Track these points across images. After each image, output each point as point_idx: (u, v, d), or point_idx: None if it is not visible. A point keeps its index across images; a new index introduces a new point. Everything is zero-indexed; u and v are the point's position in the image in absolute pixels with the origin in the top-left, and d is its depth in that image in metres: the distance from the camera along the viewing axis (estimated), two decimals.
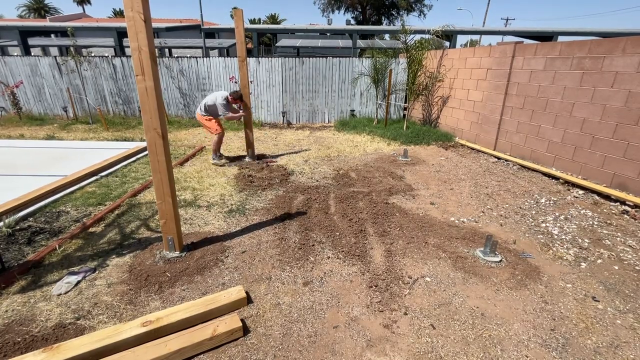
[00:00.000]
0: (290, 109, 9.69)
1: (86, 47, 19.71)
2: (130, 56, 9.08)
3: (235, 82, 9.34)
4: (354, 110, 9.73)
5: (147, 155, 5.95)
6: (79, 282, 2.58)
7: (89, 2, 48.16)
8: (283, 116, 9.67)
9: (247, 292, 2.42)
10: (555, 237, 3.37)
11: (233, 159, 5.97)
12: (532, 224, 3.65)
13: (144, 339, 1.96)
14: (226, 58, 9.32)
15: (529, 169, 5.42)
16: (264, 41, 36.65)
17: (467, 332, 2.16)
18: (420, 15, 30.60)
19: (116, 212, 3.79)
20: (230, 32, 20.63)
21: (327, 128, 9.10)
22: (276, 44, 22.62)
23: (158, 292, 2.49)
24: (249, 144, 5.80)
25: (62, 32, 18.95)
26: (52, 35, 20.82)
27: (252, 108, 9.39)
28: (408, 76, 8.34)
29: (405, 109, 9.02)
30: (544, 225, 3.61)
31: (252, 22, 49.80)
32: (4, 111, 9.70)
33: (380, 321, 2.25)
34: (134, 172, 5.13)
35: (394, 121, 9.05)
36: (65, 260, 2.86)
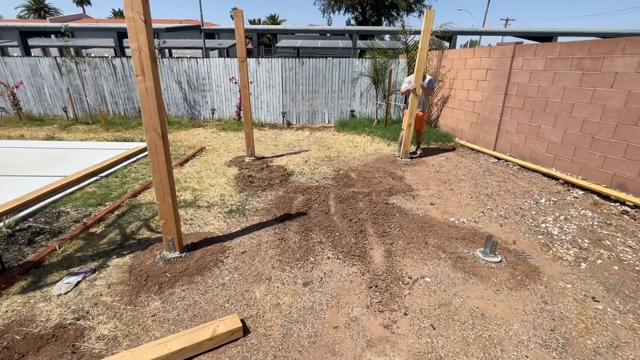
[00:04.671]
0: (290, 109, 9.69)
1: (86, 47, 19.72)
2: (130, 57, 9.09)
3: (235, 83, 9.35)
4: (354, 111, 9.74)
5: (147, 155, 5.95)
6: (79, 282, 2.58)
7: (89, 3, 48.19)
8: (283, 117, 9.67)
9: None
10: (555, 237, 3.37)
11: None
12: (532, 224, 3.65)
13: None
14: (226, 58, 9.33)
15: (528, 169, 5.42)
16: (264, 42, 36.65)
17: (467, 333, 2.16)
18: (420, 15, 30.62)
19: (116, 212, 3.79)
20: (230, 32, 20.64)
21: (327, 128, 9.10)
22: (276, 45, 22.63)
23: (158, 293, 2.49)
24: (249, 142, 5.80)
25: (62, 33, 18.94)
26: (52, 36, 20.82)
27: (252, 108, 9.40)
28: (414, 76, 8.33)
29: (405, 109, 9.01)
30: (543, 225, 3.61)
31: (252, 22, 49.83)
32: (4, 112, 9.70)
33: (380, 321, 2.25)
34: (133, 173, 5.13)
35: (394, 121, 9.05)
36: (65, 261, 2.86)
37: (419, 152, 6.45)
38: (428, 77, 5.84)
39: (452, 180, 5.02)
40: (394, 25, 29.18)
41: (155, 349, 1.89)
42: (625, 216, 3.81)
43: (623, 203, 4.05)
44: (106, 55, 9.53)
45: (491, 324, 2.24)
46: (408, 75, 6.15)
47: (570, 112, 4.91)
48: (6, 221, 3.27)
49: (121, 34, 16.72)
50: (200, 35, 18.64)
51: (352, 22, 31.34)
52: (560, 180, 4.84)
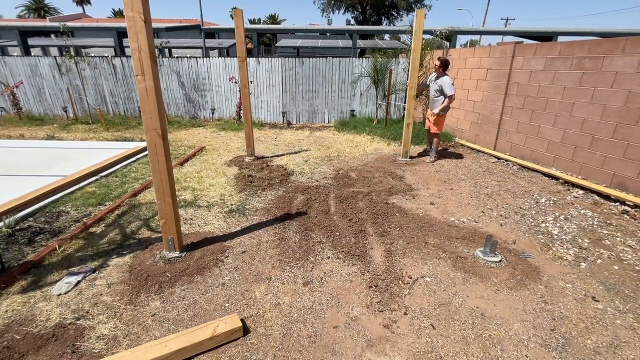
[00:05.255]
0: (290, 109, 9.69)
1: (86, 47, 19.70)
2: (130, 56, 9.08)
3: (235, 82, 9.35)
4: (354, 111, 9.73)
5: (147, 155, 5.95)
6: (79, 282, 2.58)
7: (89, 2, 48.17)
8: (283, 116, 9.67)
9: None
10: (555, 237, 3.37)
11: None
12: (532, 224, 3.65)
13: None
14: (226, 58, 9.33)
15: (528, 169, 5.42)
16: (264, 41, 36.65)
17: (467, 332, 2.16)
18: None
19: (116, 212, 3.79)
20: (230, 32, 20.62)
21: (327, 128, 9.10)
22: (276, 44, 22.63)
23: (158, 292, 2.49)
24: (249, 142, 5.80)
25: (62, 32, 18.94)
26: (52, 36, 20.81)
27: (252, 108, 9.40)
28: (408, 76, 8.34)
29: (405, 109, 9.01)
30: (543, 225, 3.61)
31: (252, 22, 49.81)
32: (4, 111, 9.70)
33: (380, 321, 2.25)
34: (133, 172, 5.13)
35: (394, 121, 9.05)
36: (65, 261, 2.86)
37: (433, 158, 5.90)
38: (441, 81, 5.41)
39: (452, 179, 5.02)
40: (394, 25, 29.16)
41: (155, 348, 1.89)
42: (625, 216, 3.81)
43: (623, 203, 4.05)
44: (106, 55, 9.53)
45: (491, 323, 2.24)
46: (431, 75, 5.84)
47: (570, 112, 4.90)
48: (6, 221, 3.27)
49: (121, 34, 16.72)
50: (200, 34, 18.63)
51: (352, 21, 31.32)
52: (561, 180, 4.83)
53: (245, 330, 2.14)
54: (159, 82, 2.47)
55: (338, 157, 6.16)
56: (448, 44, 15.85)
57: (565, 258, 3.01)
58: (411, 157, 6.14)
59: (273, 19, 52.81)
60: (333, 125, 9.30)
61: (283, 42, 21.39)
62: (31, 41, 17.84)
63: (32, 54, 13.12)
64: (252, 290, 2.54)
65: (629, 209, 3.92)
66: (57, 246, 3.00)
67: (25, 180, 4.48)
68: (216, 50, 21.87)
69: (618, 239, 3.33)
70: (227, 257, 2.97)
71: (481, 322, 2.25)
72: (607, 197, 4.22)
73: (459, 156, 6.30)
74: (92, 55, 9.52)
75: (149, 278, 2.63)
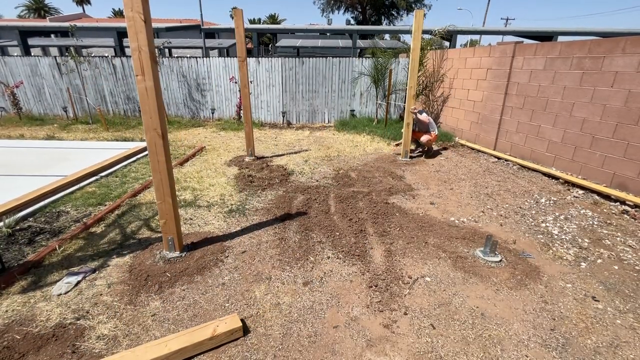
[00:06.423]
0: (290, 109, 9.69)
1: (86, 47, 19.71)
2: (130, 56, 9.08)
3: (235, 82, 9.35)
4: (354, 110, 9.73)
5: (147, 155, 5.95)
6: (79, 282, 2.58)
7: (89, 2, 48.17)
8: (283, 116, 9.67)
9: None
10: (555, 237, 3.37)
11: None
12: (532, 223, 3.65)
13: None
14: (226, 58, 9.33)
15: (529, 168, 5.41)
16: (264, 41, 36.65)
17: (467, 332, 2.16)
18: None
19: (116, 212, 3.79)
20: (230, 32, 20.63)
21: (327, 128, 9.10)
22: (276, 44, 22.63)
23: (158, 292, 2.49)
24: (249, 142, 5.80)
25: (62, 32, 18.96)
26: (52, 36, 20.82)
27: (252, 108, 9.40)
28: (408, 76, 8.33)
29: (405, 108, 9.00)
30: (544, 225, 3.61)
31: (252, 22, 49.81)
32: (4, 111, 9.70)
33: (380, 321, 2.25)
34: (133, 172, 5.13)
35: (394, 121, 9.05)
36: (65, 261, 2.86)
37: (417, 153, 6.54)
38: (423, 115, 6.08)
39: (452, 179, 5.02)
40: (394, 25, 29.16)
41: (155, 348, 1.89)
42: (626, 216, 3.81)
43: (623, 202, 4.04)
44: (106, 55, 9.53)
45: (491, 323, 2.24)
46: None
47: (571, 112, 4.90)
48: (6, 221, 3.27)
49: (121, 34, 16.73)
50: (200, 34, 18.64)
51: (352, 21, 31.31)
52: (561, 180, 4.83)
53: (245, 330, 2.14)
54: (159, 82, 2.47)
55: (338, 157, 6.16)
56: (448, 43, 15.85)
57: (565, 258, 3.01)
58: (411, 157, 6.14)
59: (273, 18, 52.81)
60: (333, 125, 9.30)
61: (283, 42, 21.39)
62: (31, 41, 17.85)
63: (32, 54, 13.12)
64: (252, 290, 2.54)
65: (629, 208, 3.91)
66: (57, 246, 3.00)
67: (26, 180, 4.48)
68: (216, 50, 21.86)
69: (618, 238, 3.33)
70: (227, 257, 2.97)
71: (481, 322, 2.25)
72: (607, 197, 4.22)
73: (459, 156, 6.30)
74: (93, 55, 9.52)
75: (149, 278, 2.63)
